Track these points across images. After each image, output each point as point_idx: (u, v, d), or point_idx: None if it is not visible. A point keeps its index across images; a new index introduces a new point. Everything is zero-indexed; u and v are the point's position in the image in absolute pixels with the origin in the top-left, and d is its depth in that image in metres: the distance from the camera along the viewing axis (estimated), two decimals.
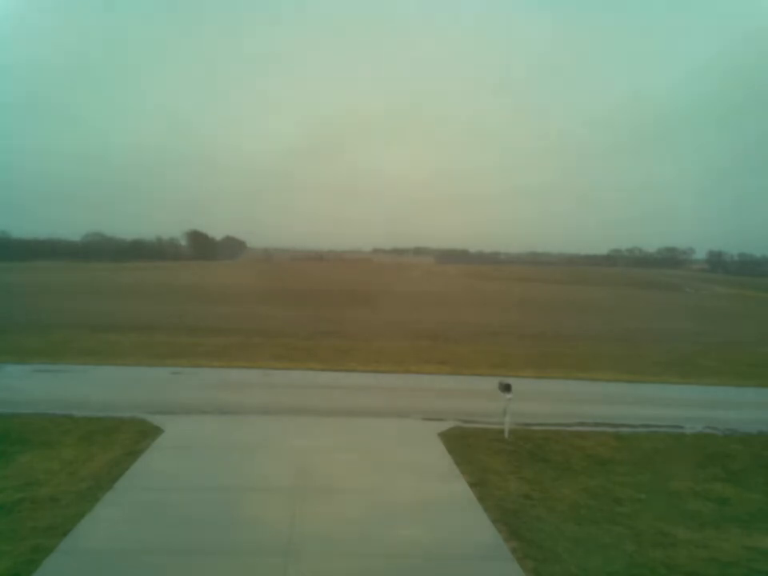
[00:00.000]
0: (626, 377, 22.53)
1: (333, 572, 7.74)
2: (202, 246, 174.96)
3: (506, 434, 13.82)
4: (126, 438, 12.85)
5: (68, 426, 13.57)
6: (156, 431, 13.32)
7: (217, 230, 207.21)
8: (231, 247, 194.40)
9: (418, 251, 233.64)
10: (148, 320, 35.01)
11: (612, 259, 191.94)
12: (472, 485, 10.82)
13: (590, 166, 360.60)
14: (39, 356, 21.98)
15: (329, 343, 28.55)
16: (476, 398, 17.54)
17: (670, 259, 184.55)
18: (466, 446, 13.17)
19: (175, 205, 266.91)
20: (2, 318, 33.39)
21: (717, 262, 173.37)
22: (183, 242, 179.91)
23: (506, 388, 13.75)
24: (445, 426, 14.72)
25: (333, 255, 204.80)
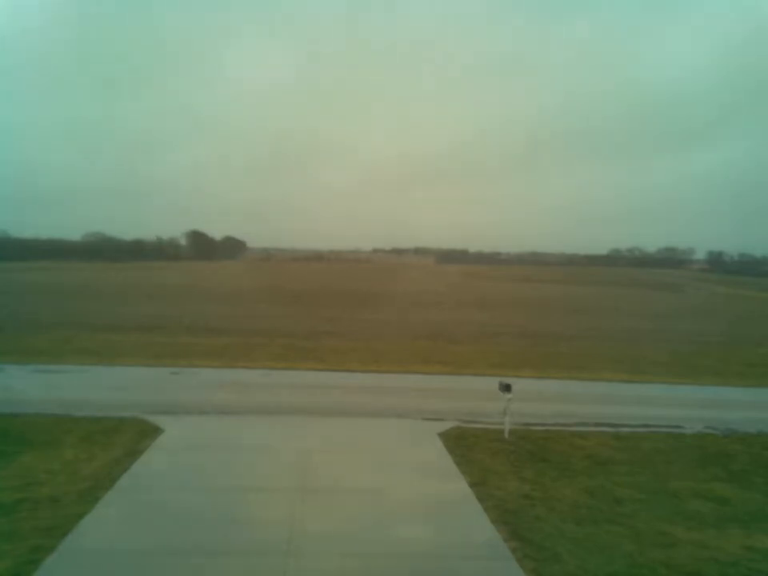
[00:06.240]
0: (626, 377, 22.56)
1: (333, 572, 7.75)
2: (201, 246, 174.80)
3: (506, 434, 13.82)
4: (126, 438, 12.86)
5: (68, 426, 13.57)
6: (156, 431, 13.33)
7: (217, 230, 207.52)
8: (231, 247, 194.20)
9: (418, 251, 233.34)
10: (148, 320, 34.98)
11: (612, 259, 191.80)
12: (472, 485, 10.83)
13: (589, 165, 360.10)
14: (39, 356, 21.99)
15: (328, 343, 28.56)
16: (476, 398, 17.54)
17: (670, 259, 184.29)
18: (466, 446, 13.18)
19: (175, 204, 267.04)
20: (1, 318, 33.41)
21: (717, 262, 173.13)
22: (183, 242, 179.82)
23: (506, 388, 13.76)
24: (445, 426, 14.72)
25: (333, 255, 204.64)
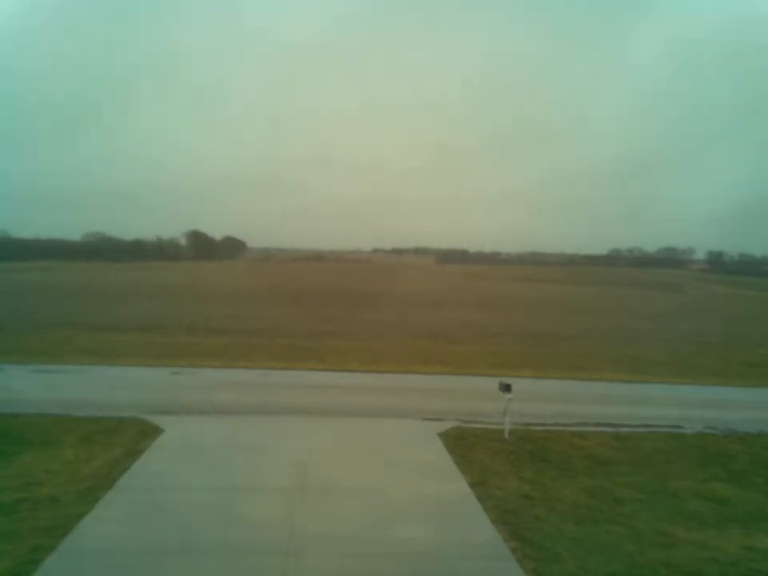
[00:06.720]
0: (626, 377, 22.56)
1: (333, 572, 7.74)
2: (201, 246, 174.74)
3: (506, 434, 13.82)
4: (126, 438, 12.86)
5: (68, 426, 13.57)
6: (156, 431, 13.33)
7: (217, 230, 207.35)
8: (231, 247, 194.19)
9: (418, 251, 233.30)
10: (148, 320, 34.99)
11: (612, 259, 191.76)
12: (472, 485, 10.83)
13: (589, 165, 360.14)
14: (39, 356, 21.99)
15: (328, 343, 28.55)
16: (476, 398, 17.53)
17: (670, 259, 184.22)
18: (466, 446, 13.18)
19: (176, 205, 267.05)
20: (1, 318, 33.40)
21: (717, 262, 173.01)
22: (183, 242, 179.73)
23: (506, 388, 13.76)
24: (445, 426, 14.72)
25: (333, 255, 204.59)
